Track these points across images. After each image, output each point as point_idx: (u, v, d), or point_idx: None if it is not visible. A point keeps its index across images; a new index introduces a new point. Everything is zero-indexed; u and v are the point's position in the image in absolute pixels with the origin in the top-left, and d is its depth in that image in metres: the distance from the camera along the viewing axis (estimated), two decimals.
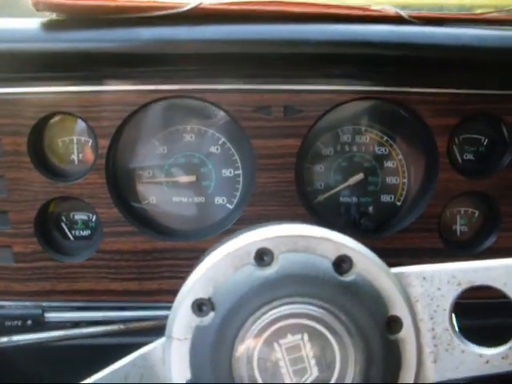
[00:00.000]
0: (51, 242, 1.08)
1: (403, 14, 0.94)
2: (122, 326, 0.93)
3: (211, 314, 0.61)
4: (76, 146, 1.08)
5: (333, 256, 0.62)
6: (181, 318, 0.62)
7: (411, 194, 1.13)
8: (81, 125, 1.07)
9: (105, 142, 1.01)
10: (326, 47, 0.93)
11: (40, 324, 0.97)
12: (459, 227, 1.15)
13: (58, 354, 1.03)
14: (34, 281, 1.04)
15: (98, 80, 1.00)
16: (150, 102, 1.01)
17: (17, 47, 0.93)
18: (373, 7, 0.96)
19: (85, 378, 0.67)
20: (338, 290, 0.60)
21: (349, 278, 0.62)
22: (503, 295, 0.64)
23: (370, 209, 1.14)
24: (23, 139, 1.00)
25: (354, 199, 1.13)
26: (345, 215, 1.13)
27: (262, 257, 0.62)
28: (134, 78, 1.00)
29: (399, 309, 0.62)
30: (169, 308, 1.00)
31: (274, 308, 0.60)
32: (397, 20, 0.95)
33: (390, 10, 0.95)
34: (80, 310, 1.03)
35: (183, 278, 1.01)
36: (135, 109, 1.00)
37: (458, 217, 1.14)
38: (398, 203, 1.14)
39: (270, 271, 0.61)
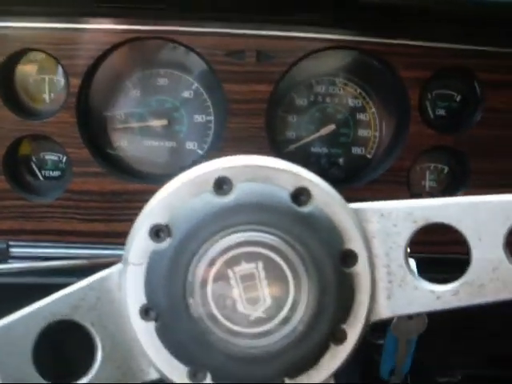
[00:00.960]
0: (20, 182, 1.08)
1: None
2: (85, 261, 0.93)
3: (168, 240, 0.61)
4: (48, 85, 1.07)
5: (291, 187, 0.62)
6: (137, 243, 0.62)
7: (382, 147, 1.14)
8: (53, 63, 1.05)
9: (76, 81, 1.00)
10: None
11: (5, 257, 0.97)
12: (428, 182, 1.15)
13: (21, 294, 1.02)
14: (1, 220, 1.04)
15: (72, 17, 0.99)
16: (123, 42, 1.00)
17: None
18: None
19: None
20: (294, 220, 0.61)
21: (306, 209, 0.62)
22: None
23: (341, 160, 1.14)
24: None
25: (325, 150, 1.14)
26: (315, 165, 1.14)
27: (221, 185, 0.62)
28: (107, 17, 0.99)
29: (355, 243, 0.63)
30: None
31: (230, 235, 0.60)
32: None
33: None
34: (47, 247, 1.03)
35: None
36: (108, 48, 1.00)
37: (428, 172, 1.15)
38: (369, 156, 1.14)
39: (227, 199, 0.61)
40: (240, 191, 0.61)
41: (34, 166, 1.10)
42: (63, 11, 0.98)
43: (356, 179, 1.11)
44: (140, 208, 1.02)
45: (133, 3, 0.95)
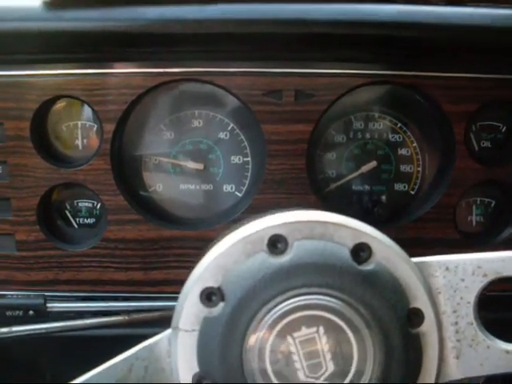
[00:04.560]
0: (55, 231, 1.05)
1: None
2: (126, 317, 0.89)
3: (221, 305, 0.58)
4: (80, 131, 1.05)
5: (351, 244, 0.58)
6: (188, 308, 0.58)
7: (426, 182, 1.10)
8: (85, 109, 1.04)
9: (110, 127, 0.98)
10: (339, 27, 0.89)
11: (42, 314, 0.94)
12: (475, 218, 1.11)
13: (61, 346, 1.00)
14: (36, 270, 1.01)
15: (104, 62, 0.97)
16: (157, 85, 0.98)
17: (19, 26, 0.89)
18: None
19: (88, 370, 0.64)
20: (356, 279, 0.57)
21: (368, 267, 0.58)
22: None
23: (383, 197, 1.11)
24: (26, 124, 0.97)
25: (367, 188, 1.10)
26: (357, 204, 1.10)
27: (276, 244, 0.58)
28: (140, 61, 0.96)
29: (420, 301, 0.59)
30: (176, 299, 0.98)
31: (288, 298, 0.56)
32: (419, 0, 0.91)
33: None
34: (83, 300, 1.00)
35: (190, 268, 0.98)
36: (141, 92, 0.97)
37: (474, 207, 1.11)
38: (412, 192, 1.10)
39: (284, 259, 0.57)
40: (296, 250, 0.57)
41: (68, 214, 1.07)
42: (95, 56, 0.95)
43: (400, 217, 1.07)
44: (177, 255, 1.00)
45: (164, 47, 0.92)
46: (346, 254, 0.58)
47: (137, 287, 1.02)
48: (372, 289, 0.57)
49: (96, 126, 1.04)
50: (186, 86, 1.04)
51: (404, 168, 1.10)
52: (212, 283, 0.58)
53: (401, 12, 0.88)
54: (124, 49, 0.92)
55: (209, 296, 0.58)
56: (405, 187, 1.10)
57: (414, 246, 0.98)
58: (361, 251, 0.58)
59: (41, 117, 1.00)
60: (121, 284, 1.01)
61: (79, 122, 1.05)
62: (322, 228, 0.58)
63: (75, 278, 1.01)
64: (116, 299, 1.00)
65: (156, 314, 0.90)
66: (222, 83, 0.97)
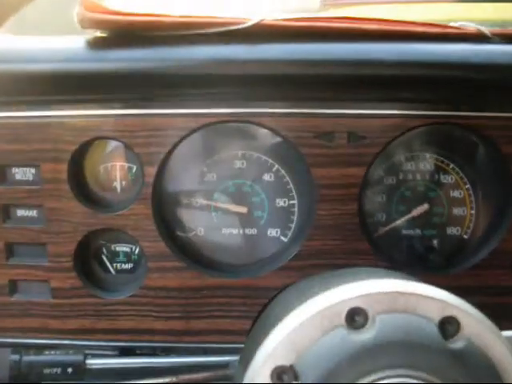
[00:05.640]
0: (91, 277, 1.00)
1: (485, 30, 0.85)
2: (173, 379, 0.84)
3: None
4: (119, 172, 1.00)
5: (437, 317, 0.53)
6: None
7: (480, 226, 1.04)
8: (124, 150, 0.99)
9: (152, 170, 0.93)
10: (399, 68, 0.85)
11: (81, 372, 0.89)
12: None
13: None
14: (72, 318, 0.97)
15: (146, 103, 0.92)
16: (202, 127, 0.93)
17: (58, 68, 0.86)
18: (451, 24, 0.87)
19: None
20: (446, 359, 0.51)
21: (457, 344, 0.52)
22: None
23: (435, 242, 1.05)
24: (63, 166, 0.93)
25: (418, 232, 1.05)
26: (408, 249, 1.04)
27: (354, 317, 0.53)
28: (185, 101, 0.91)
29: None
30: (220, 352, 0.93)
31: (373, 382, 0.50)
32: (478, 38, 0.86)
33: (471, 27, 0.86)
34: (122, 355, 0.94)
35: (234, 317, 0.95)
36: (185, 134, 0.92)
37: None
38: (465, 236, 1.05)
39: (366, 336, 0.52)
40: (380, 325, 0.52)
41: (105, 259, 1.02)
42: (137, 97, 0.91)
43: (455, 264, 1.01)
44: (221, 304, 0.95)
45: (210, 88, 0.88)
46: (433, 329, 0.52)
47: (177, 337, 0.97)
48: (464, 370, 0.51)
49: (135, 167, 0.99)
50: (229, 126, 0.99)
51: (457, 211, 1.05)
52: (284, 361, 0.53)
53: (466, 52, 0.84)
54: (168, 90, 0.87)
55: (280, 375, 0.53)
56: (457, 231, 1.05)
57: (470, 294, 0.92)
58: (448, 325, 0.53)
59: (78, 158, 0.96)
60: (160, 333, 0.97)
61: (118, 164, 1.00)
62: (405, 299, 0.53)
63: (112, 327, 0.97)
64: (156, 353, 0.95)
65: (204, 374, 0.84)
66: (271, 125, 0.93)
